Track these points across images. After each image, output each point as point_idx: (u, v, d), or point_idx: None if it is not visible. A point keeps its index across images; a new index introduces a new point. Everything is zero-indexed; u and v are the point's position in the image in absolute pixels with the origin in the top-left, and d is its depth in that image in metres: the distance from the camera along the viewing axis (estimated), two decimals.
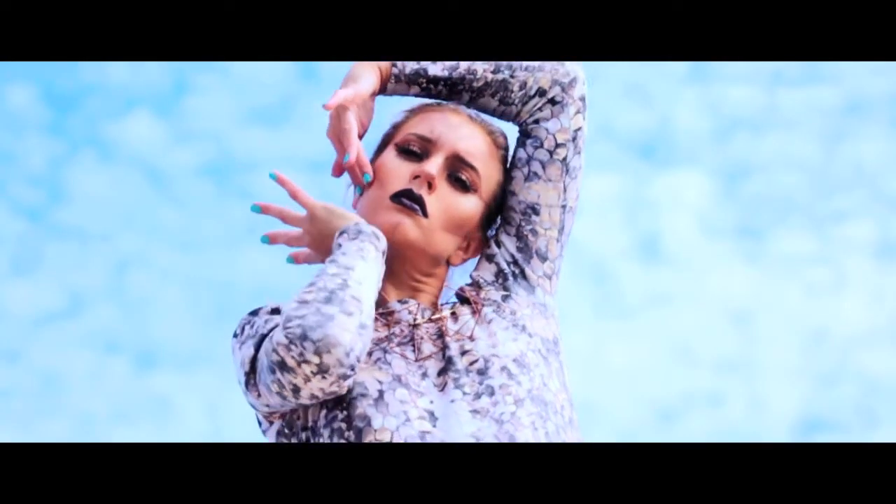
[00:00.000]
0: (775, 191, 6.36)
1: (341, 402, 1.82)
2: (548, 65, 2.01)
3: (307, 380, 1.74)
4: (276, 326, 1.84)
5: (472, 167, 2.01)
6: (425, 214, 1.97)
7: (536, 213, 2.01)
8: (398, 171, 2.00)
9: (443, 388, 1.85)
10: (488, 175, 2.03)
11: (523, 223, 2.01)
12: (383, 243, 1.90)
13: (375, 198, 2.00)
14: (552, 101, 2.01)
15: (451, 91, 2.03)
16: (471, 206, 2.01)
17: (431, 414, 1.81)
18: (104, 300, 6.45)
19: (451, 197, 2.00)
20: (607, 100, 6.33)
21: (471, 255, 2.05)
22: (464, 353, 1.89)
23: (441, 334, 1.92)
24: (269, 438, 1.91)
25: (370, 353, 1.87)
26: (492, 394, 1.84)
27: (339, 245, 1.87)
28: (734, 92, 6.46)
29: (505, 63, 2.03)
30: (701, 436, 5.89)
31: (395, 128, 2.09)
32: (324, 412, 1.83)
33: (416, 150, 2.02)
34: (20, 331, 6.38)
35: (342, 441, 1.80)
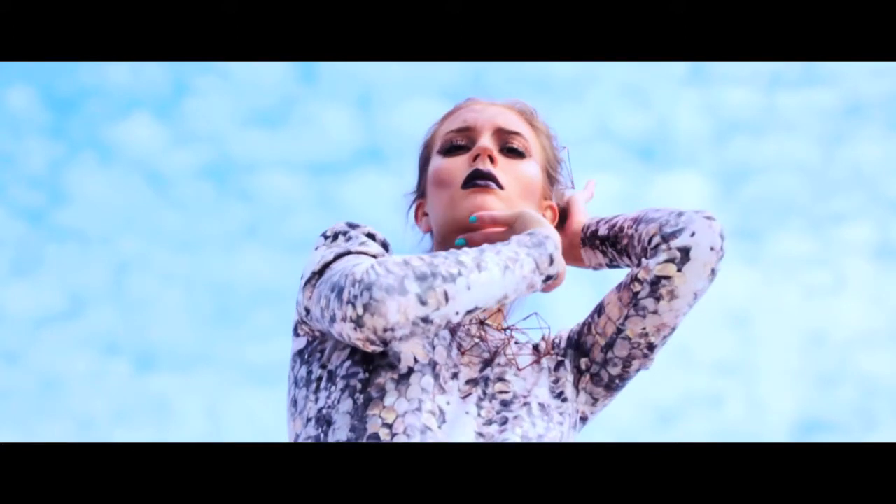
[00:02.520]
0: (774, 193, 6.37)
1: (369, 362, 1.81)
2: (664, 214, 1.94)
3: (343, 319, 1.71)
4: (366, 252, 1.82)
5: (519, 133, 2.03)
6: (501, 186, 1.96)
7: (599, 314, 1.97)
8: (455, 165, 1.99)
9: (465, 396, 1.84)
10: (529, 137, 2.04)
11: (590, 316, 1.99)
12: (553, 270, 1.84)
13: (446, 197, 1.98)
14: (652, 248, 1.93)
15: (615, 250, 2.02)
16: (533, 170, 2.02)
17: (442, 414, 1.80)
18: (104, 301, 6.46)
19: (513, 166, 2.00)
20: (606, 101, 6.33)
21: None
22: (500, 380, 1.88)
23: (495, 351, 1.91)
24: (292, 348, 1.89)
25: None
26: (503, 423, 1.83)
27: (510, 241, 1.83)
28: (733, 94, 6.47)
29: (649, 212, 1.98)
30: (700, 437, 5.89)
31: (429, 145, 2.08)
32: (348, 363, 1.82)
33: (461, 143, 2.02)
34: (20, 332, 6.38)
35: (349, 400, 1.79)
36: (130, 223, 6.59)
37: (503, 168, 1.98)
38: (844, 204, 6.37)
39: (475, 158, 1.98)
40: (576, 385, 1.96)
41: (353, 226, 1.87)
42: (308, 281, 1.82)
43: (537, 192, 2.02)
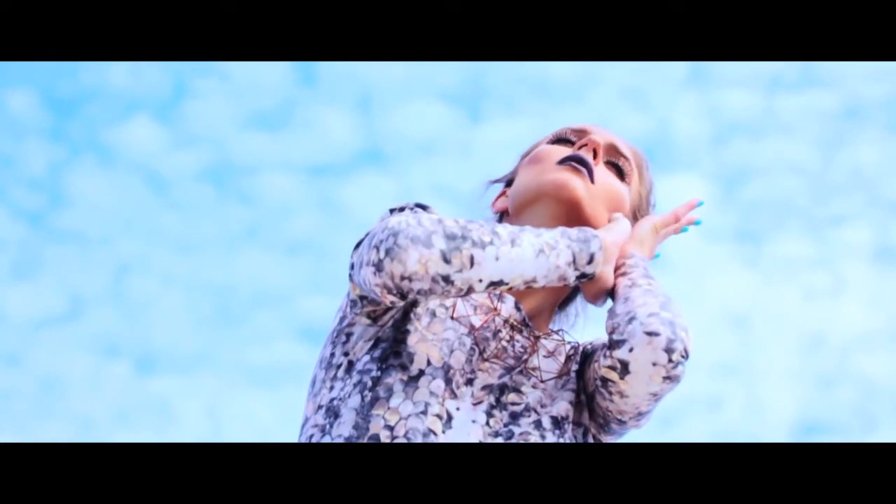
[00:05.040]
0: (774, 195, 6.38)
1: (383, 360, 1.80)
2: (623, 312, 1.82)
3: (367, 263, 1.72)
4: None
5: (626, 157, 2.01)
6: (592, 179, 1.93)
7: (590, 365, 1.89)
8: (559, 150, 1.98)
9: (477, 403, 1.82)
10: (634, 178, 2.03)
11: (587, 358, 1.92)
12: (590, 269, 1.82)
13: (538, 169, 1.96)
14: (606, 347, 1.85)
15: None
16: (625, 194, 1.99)
17: (450, 419, 1.78)
18: (104, 304, 6.47)
19: (610, 177, 1.98)
20: (606, 103, 6.33)
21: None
22: (515, 390, 1.85)
23: (519, 358, 1.88)
24: (331, 325, 1.89)
25: (447, 328, 1.85)
26: (508, 437, 1.81)
27: (555, 230, 1.82)
28: (732, 96, 6.48)
29: (619, 302, 1.86)
30: (700, 439, 5.90)
31: (536, 144, 2.05)
32: (367, 357, 1.82)
33: (571, 138, 2.00)
34: (21, 334, 6.39)
35: (358, 396, 1.79)
36: (130, 225, 6.60)
37: (601, 172, 1.96)
38: (844, 206, 6.38)
39: (580, 148, 1.96)
40: (588, 406, 1.90)
41: (422, 206, 1.85)
42: (360, 241, 1.81)
43: (621, 213, 1.98)
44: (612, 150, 2.00)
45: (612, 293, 1.90)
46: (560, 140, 2.01)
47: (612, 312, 1.84)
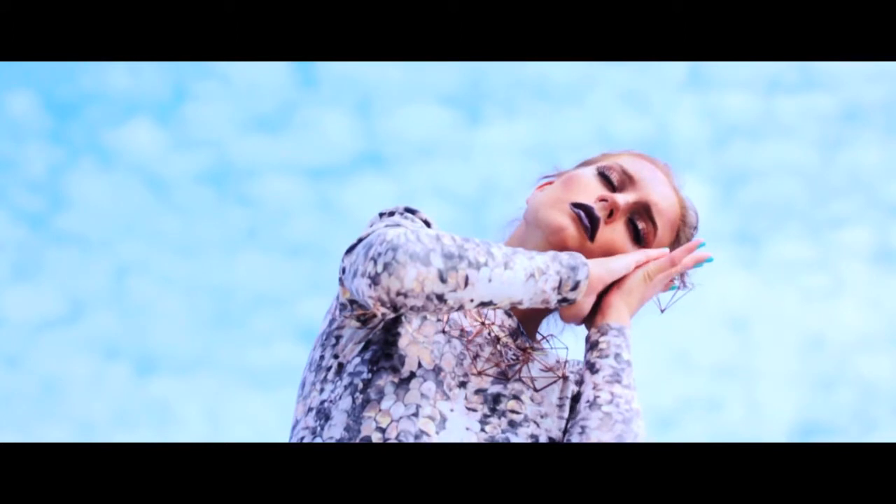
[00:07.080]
0: (772, 197, 6.38)
1: (374, 362, 1.81)
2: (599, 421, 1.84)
3: (363, 274, 1.72)
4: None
5: (654, 223, 1.97)
6: (592, 238, 1.92)
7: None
8: (588, 187, 1.96)
9: (472, 409, 1.83)
10: (661, 240, 1.98)
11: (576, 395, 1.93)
12: (572, 295, 1.83)
13: (557, 197, 1.96)
14: None
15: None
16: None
17: (443, 420, 1.79)
18: (104, 306, 6.47)
19: (622, 239, 1.95)
20: (606, 106, 6.34)
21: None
22: (514, 398, 1.86)
23: (511, 365, 1.88)
24: (321, 328, 1.90)
25: (438, 330, 1.86)
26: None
27: (548, 253, 1.83)
28: (732, 98, 6.48)
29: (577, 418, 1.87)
30: (699, 440, 5.89)
31: (604, 156, 2.04)
32: (357, 360, 1.83)
33: (613, 180, 1.97)
34: (21, 336, 6.39)
35: (349, 398, 1.80)
36: (130, 228, 6.60)
37: (612, 230, 1.94)
38: (843, 208, 6.39)
39: (602, 200, 1.94)
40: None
41: (411, 210, 1.87)
42: (353, 246, 1.81)
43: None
44: (642, 210, 1.97)
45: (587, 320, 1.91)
46: (603, 175, 1.98)
47: (576, 423, 1.84)
